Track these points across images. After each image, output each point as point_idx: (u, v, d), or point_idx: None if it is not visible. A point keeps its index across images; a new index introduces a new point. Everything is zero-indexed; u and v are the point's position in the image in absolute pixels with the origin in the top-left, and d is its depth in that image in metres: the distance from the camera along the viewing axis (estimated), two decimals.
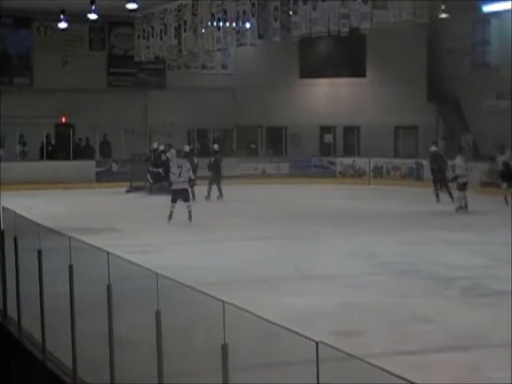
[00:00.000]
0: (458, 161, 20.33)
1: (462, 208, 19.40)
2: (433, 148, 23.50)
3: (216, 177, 23.04)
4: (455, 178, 20.10)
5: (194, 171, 20.52)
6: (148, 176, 24.77)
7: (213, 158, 23.48)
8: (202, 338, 5.33)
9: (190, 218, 17.59)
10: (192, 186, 19.93)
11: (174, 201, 17.76)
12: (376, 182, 27.42)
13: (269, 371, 4.88)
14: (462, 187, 19.52)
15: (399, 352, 7.53)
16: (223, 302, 4.43)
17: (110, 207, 21.49)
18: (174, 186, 17.96)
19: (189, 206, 17.73)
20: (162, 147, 24.80)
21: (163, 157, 24.12)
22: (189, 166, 18.49)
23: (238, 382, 4.60)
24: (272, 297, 9.85)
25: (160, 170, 24.03)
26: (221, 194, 22.77)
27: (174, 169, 18.20)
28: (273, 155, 30.47)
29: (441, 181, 22.10)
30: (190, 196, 18.66)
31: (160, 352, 5.26)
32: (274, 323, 4.20)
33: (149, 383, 5.36)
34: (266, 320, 4.27)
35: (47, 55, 29.40)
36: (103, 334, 6.06)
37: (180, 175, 17.77)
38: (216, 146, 24.60)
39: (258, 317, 4.33)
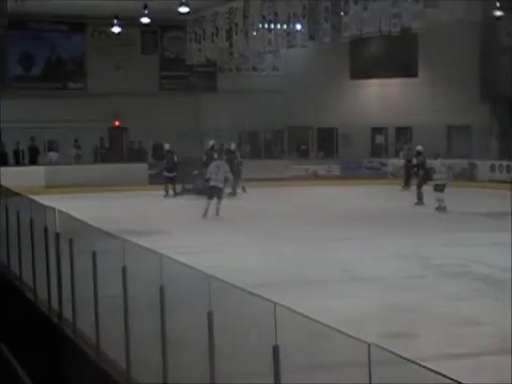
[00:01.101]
0: (438, 162, 20.84)
1: (441, 208, 19.73)
2: (419, 147, 23.45)
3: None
4: (430, 179, 20.79)
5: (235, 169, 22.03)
6: (197, 178, 24.91)
7: (226, 157, 23.60)
8: (253, 339, 5.35)
9: (217, 213, 18.86)
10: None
11: (210, 197, 19.04)
12: (428, 183, 27.06)
13: (320, 373, 4.87)
14: (441, 188, 20.10)
15: (451, 355, 7.45)
16: (274, 303, 4.44)
17: (162, 209, 21.71)
18: (211, 183, 19.21)
19: (219, 203, 19.02)
20: (213, 143, 24.90)
21: (216, 157, 24.18)
22: (227, 167, 19.86)
23: (290, 383, 4.61)
24: (320, 298, 9.82)
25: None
26: (234, 193, 23.40)
27: (211, 168, 19.51)
28: (324, 156, 30.41)
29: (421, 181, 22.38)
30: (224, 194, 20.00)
31: (212, 353, 5.29)
32: (324, 325, 4.20)
33: (201, 382, 5.41)
34: (317, 321, 4.27)
35: (101, 60, 29.85)
36: (156, 334, 6.12)
37: (217, 174, 19.14)
38: (233, 146, 24.65)
39: (309, 318, 4.33)
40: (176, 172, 24.33)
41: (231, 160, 23.73)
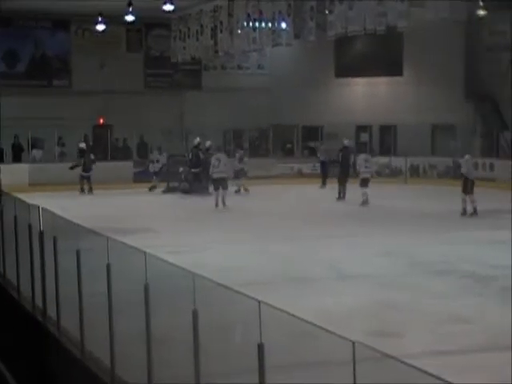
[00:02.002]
0: (363, 157, 21.64)
1: (365, 203, 20.51)
2: (346, 141, 23.98)
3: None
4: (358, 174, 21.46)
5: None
6: (182, 176, 24.91)
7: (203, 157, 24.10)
8: (238, 337, 5.35)
9: (224, 204, 20.33)
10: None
11: (216, 189, 20.67)
12: (413, 182, 27.22)
13: (305, 371, 4.87)
14: (365, 183, 20.93)
15: (437, 352, 7.47)
16: (259, 301, 4.43)
17: (147, 208, 21.65)
18: (215, 176, 20.76)
19: (225, 193, 20.50)
20: (198, 141, 24.97)
21: (201, 156, 24.23)
22: (227, 158, 21.59)
23: (274, 381, 4.60)
24: (307, 296, 9.83)
25: (199, 170, 24.11)
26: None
27: (213, 162, 20.97)
28: (309, 155, 30.42)
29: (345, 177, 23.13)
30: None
31: (197, 351, 5.28)
32: (309, 323, 4.19)
33: (186, 382, 5.39)
34: (302, 319, 4.27)
35: (85, 57, 29.70)
36: (141, 332, 6.10)
37: (218, 166, 20.70)
38: (208, 144, 24.80)
39: (294, 316, 4.33)
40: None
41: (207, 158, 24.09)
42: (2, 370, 7.08)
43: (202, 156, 24.25)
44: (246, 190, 24.48)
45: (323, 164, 26.57)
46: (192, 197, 23.92)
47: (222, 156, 21.44)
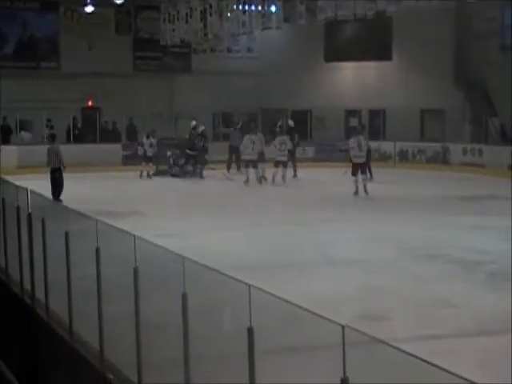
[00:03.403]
0: (351, 143, 20.64)
1: (359, 191, 19.68)
2: (290, 123, 24.41)
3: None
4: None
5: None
6: (171, 160, 24.94)
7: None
8: (227, 321, 5.36)
9: (260, 182, 22.30)
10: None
11: (246, 167, 22.56)
12: (401, 166, 27.27)
13: (294, 355, 4.89)
14: (354, 170, 19.89)
15: (425, 336, 7.52)
16: (249, 285, 4.44)
17: (136, 191, 21.61)
18: (245, 157, 22.69)
19: (257, 172, 22.47)
20: (195, 124, 24.94)
21: (198, 143, 24.34)
22: (259, 141, 23.01)
23: (264, 364, 4.62)
24: (296, 281, 9.86)
25: (195, 153, 24.29)
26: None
27: (245, 142, 22.69)
28: (298, 139, 30.36)
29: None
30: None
31: (186, 334, 5.29)
32: (299, 307, 4.21)
33: (175, 365, 5.41)
34: (292, 303, 4.28)
35: (74, 39, 29.50)
36: (130, 316, 6.10)
37: (252, 148, 22.46)
38: (201, 128, 24.88)
39: (284, 300, 4.34)
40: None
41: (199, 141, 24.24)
42: None
43: (198, 143, 24.38)
44: (263, 177, 23.04)
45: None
46: (182, 180, 23.93)
47: (254, 137, 22.67)
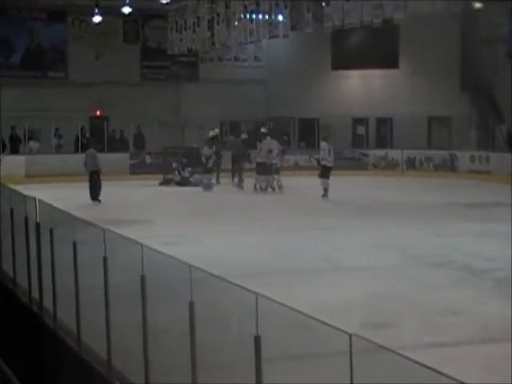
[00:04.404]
0: (322, 145, 21.42)
1: (326, 194, 20.50)
2: (263, 129, 24.42)
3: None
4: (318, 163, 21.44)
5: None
6: (176, 171, 25.05)
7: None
8: (234, 329, 5.37)
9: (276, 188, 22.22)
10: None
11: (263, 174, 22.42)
12: (409, 174, 27.25)
13: (301, 363, 4.90)
14: (324, 173, 20.72)
15: (431, 344, 7.50)
16: (256, 293, 4.45)
17: (144, 199, 21.64)
18: (258, 160, 22.69)
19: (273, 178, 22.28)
20: (213, 134, 25.14)
21: (206, 151, 24.39)
22: (277, 144, 22.99)
23: (271, 372, 4.63)
24: (302, 289, 9.85)
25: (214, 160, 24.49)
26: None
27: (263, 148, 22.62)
28: (305, 147, 30.40)
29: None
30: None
31: (193, 343, 5.30)
32: (306, 315, 4.22)
33: (182, 373, 5.42)
34: (299, 311, 4.29)
35: (82, 48, 29.64)
36: (137, 324, 6.12)
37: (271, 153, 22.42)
38: (211, 133, 24.90)
39: (291, 308, 4.35)
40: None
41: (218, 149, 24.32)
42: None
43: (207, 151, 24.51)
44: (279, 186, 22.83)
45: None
46: (189, 189, 23.98)
47: (273, 142, 22.73)
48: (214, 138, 25.19)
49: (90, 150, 21.86)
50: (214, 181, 24.14)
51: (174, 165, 25.21)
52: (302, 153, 29.31)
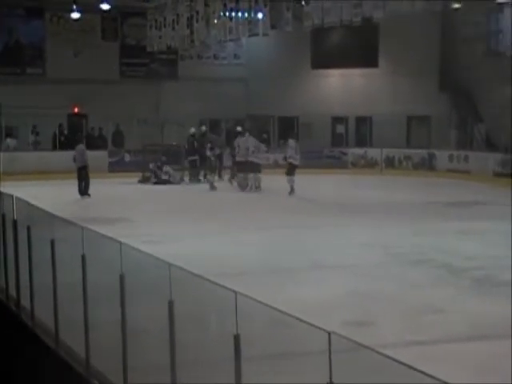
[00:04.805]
0: (290, 143, 21.93)
1: (292, 191, 20.91)
2: (239, 128, 24.45)
3: None
4: (285, 160, 21.88)
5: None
6: (151, 167, 25.06)
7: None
8: (214, 327, 5.35)
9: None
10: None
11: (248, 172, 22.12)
12: (388, 173, 27.35)
13: (281, 362, 4.88)
14: (291, 170, 21.22)
15: (412, 342, 7.53)
16: (235, 292, 4.43)
17: (123, 197, 21.55)
18: (237, 158, 22.47)
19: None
20: (194, 131, 25.34)
21: (196, 145, 24.63)
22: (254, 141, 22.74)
23: (251, 371, 4.61)
24: (284, 287, 9.86)
25: (196, 158, 24.52)
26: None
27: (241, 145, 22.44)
28: (284, 145, 30.39)
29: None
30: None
31: (173, 341, 5.28)
32: (286, 313, 4.20)
33: (161, 371, 5.39)
34: (278, 310, 4.28)
35: (60, 45, 29.44)
36: (116, 323, 6.08)
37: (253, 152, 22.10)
38: (203, 129, 25.32)
39: (270, 307, 4.34)
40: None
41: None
42: None
43: (196, 144, 24.71)
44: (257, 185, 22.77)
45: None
46: (168, 187, 23.94)
47: (250, 139, 22.40)
48: (194, 135, 25.27)
49: (80, 146, 22.30)
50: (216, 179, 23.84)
51: (151, 165, 25.20)
52: (282, 151, 29.32)
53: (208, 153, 23.83)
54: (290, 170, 21.22)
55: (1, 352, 9.01)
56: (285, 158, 21.99)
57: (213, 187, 23.00)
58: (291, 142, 22.01)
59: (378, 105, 29.08)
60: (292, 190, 20.97)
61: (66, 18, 29.24)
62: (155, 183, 24.82)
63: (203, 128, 26.22)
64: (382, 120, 28.37)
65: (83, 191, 21.19)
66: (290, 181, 21.02)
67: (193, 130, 25.54)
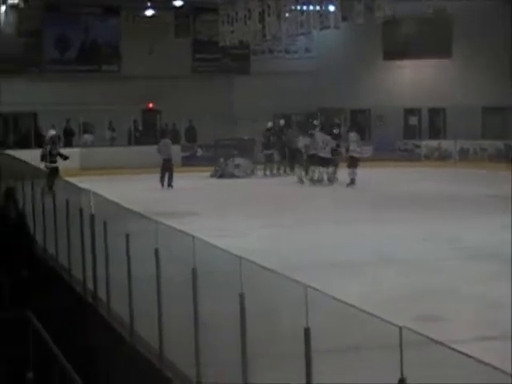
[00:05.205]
0: (351, 137, 22.14)
1: (352, 183, 21.21)
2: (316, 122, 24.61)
3: None
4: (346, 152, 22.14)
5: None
6: (221, 162, 25.31)
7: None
8: (284, 321, 5.39)
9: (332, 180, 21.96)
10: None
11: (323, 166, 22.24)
12: (462, 165, 26.87)
13: (351, 355, 4.89)
14: (352, 163, 21.46)
15: (483, 337, 7.43)
16: (306, 285, 4.47)
17: (195, 191, 21.81)
18: (321, 154, 22.15)
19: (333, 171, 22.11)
20: (271, 125, 25.71)
21: (272, 139, 24.83)
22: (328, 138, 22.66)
23: (321, 364, 4.64)
24: (353, 281, 9.84)
25: (272, 152, 24.73)
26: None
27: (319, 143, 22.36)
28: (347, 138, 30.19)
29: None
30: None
31: (244, 334, 5.34)
32: (356, 307, 4.22)
33: (233, 365, 5.46)
34: (348, 304, 4.29)
35: (135, 43, 29.93)
36: (188, 315, 6.18)
37: (324, 148, 22.11)
38: (282, 122, 25.30)
39: (341, 301, 4.36)
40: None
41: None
42: (55, 350, 7.25)
43: (272, 138, 25.13)
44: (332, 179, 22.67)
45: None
46: (239, 180, 24.12)
47: (324, 137, 22.39)
48: (271, 129, 25.46)
49: (165, 140, 23.77)
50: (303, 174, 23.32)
51: (221, 159, 25.44)
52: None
53: (299, 144, 23.73)
54: (352, 163, 21.35)
55: (78, 342, 9.26)
56: (346, 151, 21.93)
57: (301, 181, 22.93)
58: (352, 135, 22.08)
59: (451, 96, 28.60)
60: (352, 183, 21.17)
61: (141, 16, 29.71)
62: (221, 176, 25.00)
63: (282, 122, 26.33)
64: (456, 111, 27.89)
65: (168, 182, 22.22)
66: (352, 173, 21.23)
67: (270, 124, 25.68)
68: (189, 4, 28.18)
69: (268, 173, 25.25)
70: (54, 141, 19.78)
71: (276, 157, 25.21)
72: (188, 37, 31.29)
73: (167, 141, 23.59)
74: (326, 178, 22.40)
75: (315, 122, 24.94)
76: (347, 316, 4.50)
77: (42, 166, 18.07)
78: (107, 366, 8.52)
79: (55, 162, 18.79)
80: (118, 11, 30.40)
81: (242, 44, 28.07)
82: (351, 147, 21.70)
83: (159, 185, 22.81)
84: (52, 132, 20.92)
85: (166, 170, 22.35)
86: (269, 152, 25.24)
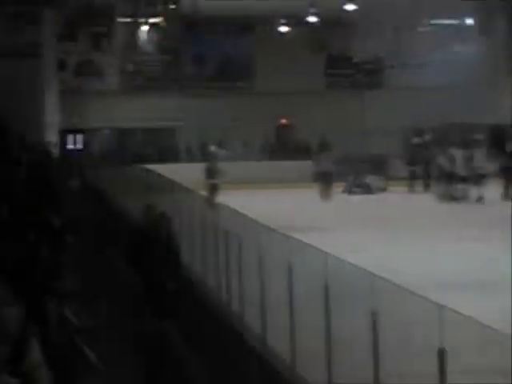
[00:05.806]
0: (450, 155, 21.82)
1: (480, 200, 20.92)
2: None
3: None
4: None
5: None
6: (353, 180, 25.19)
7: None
8: (417, 340, 5.30)
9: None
10: None
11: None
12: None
13: (490, 378, 4.76)
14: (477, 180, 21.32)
15: None
16: (439, 305, 4.38)
17: (326, 207, 21.80)
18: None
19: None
20: (417, 141, 25.45)
21: (418, 154, 24.62)
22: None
23: None
24: (494, 300, 9.54)
25: (416, 168, 24.56)
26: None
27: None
28: (496, 155, 29.26)
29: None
30: None
31: (376, 352, 5.29)
32: (494, 329, 4.10)
33: (365, 382, 5.42)
34: (486, 326, 4.18)
35: (268, 59, 30.38)
36: (320, 331, 6.19)
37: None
38: (427, 137, 24.29)
39: (477, 322, 4.25)
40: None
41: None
42: (189, 361, 7.43)
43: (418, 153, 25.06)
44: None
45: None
46: (367, 197, 23.96)
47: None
48: (418, 145, 25.17)
49: (325, 153, 25.03)
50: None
51: (351, 176, 25.36)
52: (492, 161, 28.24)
53: (441, 161, 23.04)
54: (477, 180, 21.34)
55: (210, 352, 9.45)
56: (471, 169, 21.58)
57: (444, 198, 22.13)
58: (455, 152, 21.44)
59: None
60: (480, 199, 20.97)
61: (274, 33, 30.14)
62: (351, 193, 24.86)
63: (427, 137, 25.97)
64: None
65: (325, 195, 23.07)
66: (479, 190, 21.10)
67: (416, 139, 25.42)
68: (322, 19, 28.28)
69: (411, 189, 24.83)
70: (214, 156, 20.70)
71: (419, 173, 24.75)
72: (322, 52, 31.42)
73: (327, 154, 24.86)
74: (472, 195, 21.78)
75: (477, 137, 24.22)
76: (485, 338, 4.39)
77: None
78: (240, 377, 8.64)
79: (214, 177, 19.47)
80: (253, 28, 30.95)
81: (375, 59, 27.91)
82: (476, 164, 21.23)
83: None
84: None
85: (328, 182, 23.40)
86: (413, 168, 24.91)
